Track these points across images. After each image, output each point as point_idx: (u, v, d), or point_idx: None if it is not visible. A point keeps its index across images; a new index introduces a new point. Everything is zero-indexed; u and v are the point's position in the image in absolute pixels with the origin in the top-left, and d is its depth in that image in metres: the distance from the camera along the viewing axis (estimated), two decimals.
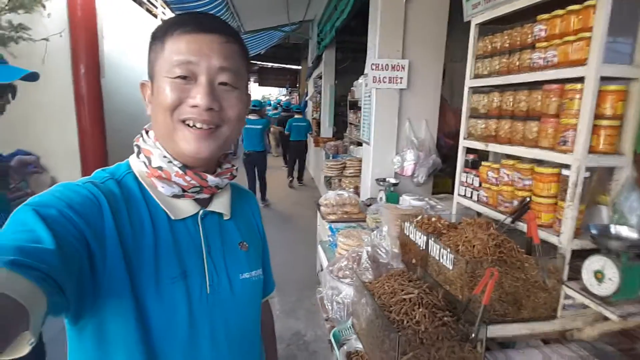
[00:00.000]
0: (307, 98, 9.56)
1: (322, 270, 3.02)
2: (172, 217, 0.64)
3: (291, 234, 4.73)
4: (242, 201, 0.82)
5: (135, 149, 0.68)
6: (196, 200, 0.69)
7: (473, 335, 1.13)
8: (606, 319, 1.33)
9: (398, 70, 2.94)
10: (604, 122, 1.28)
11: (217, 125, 0.64)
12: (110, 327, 0.57)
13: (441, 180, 3.33)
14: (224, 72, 0.63)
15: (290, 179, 7.65)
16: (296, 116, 7.46)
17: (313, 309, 2.72)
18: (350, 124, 5.85)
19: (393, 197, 2.81)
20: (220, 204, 0.72)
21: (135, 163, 0.67)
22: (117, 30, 5.03)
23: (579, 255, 1.32)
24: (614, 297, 1.16)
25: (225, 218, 0.73)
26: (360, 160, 4.46)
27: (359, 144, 4.99)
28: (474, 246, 1.32)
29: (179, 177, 0.64)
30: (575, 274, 1.31)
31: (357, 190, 3.94)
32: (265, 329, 0.85)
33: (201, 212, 0.68)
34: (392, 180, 2.92)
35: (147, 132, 0.69)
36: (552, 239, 1.37)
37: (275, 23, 7.74)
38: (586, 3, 1.25)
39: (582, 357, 1.32)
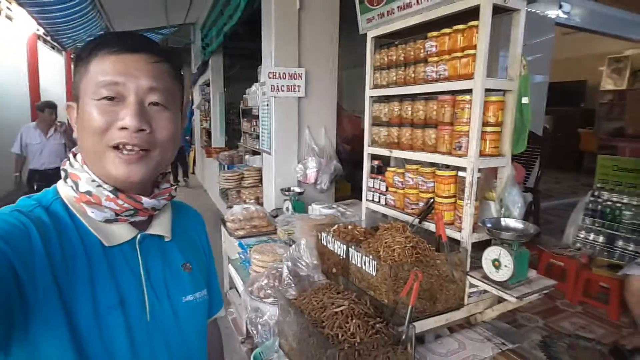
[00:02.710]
0: (193, 106, 9.03)
1: (231, 289, 2.82)
2: (106, 244, 0.61)
3: None
4: (184, 220, 0.78)
5: (62, 174, 0.65)
6: (133, 223, 0.65)
7: (404, 337, 1.17)
8: (501, 300, 1.52)
9: (295, 79, 2.95)
10: (489, 129, 1.47)
11: (147, 149, 0.61)
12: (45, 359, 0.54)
13: (342, 185, 3.46)
14: (154, 92, 0.61)
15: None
16: None
17: (226, 331, 2.52)
18: (245, 132, 5.69)
19: (299, 206, 2.80)
20: (160, 226, 0.69)
21: (63, 188, 0.64)
22: None
23: (476, 247, 1.49)
24: (509, 281, 1.33)
25: (166, 240, 0.70)
26: (258, 170, 4.34)
27: (255, 152, 4.88)
28: (394, 250, 1.38)
29: (110, 202, 0.61)
30: (475, 264, 1.47)
31: (258, 201, 3.83)
32: (211, 349, 0.82)
33: (139, 236, 0.65)
34: (298, 190, 2.91)
35: (74, 156, 0.65)
36: (455, 234, 1.51)
37: (152, 25, 7.14)
38: (470, 23, 1.42)
39: (487, 337, 1.48)
